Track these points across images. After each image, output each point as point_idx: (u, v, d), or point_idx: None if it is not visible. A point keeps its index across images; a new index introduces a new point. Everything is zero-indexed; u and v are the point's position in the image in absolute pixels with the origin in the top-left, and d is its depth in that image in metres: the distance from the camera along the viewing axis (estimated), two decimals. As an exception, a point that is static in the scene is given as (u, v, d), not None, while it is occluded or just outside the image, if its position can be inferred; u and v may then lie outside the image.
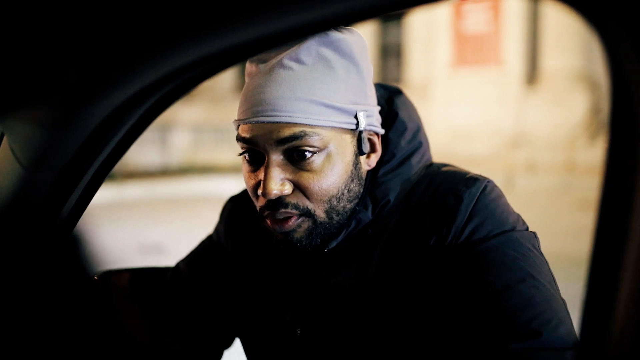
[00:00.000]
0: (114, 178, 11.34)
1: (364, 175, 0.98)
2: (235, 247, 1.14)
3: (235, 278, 1.12)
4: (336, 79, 0.91)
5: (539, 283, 0.86)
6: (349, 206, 0.96)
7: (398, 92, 1.06)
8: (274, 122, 0.89)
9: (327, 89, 0.90)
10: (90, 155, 0.71)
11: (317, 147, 0.90)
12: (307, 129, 0.89)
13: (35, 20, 0.52)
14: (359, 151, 0.96)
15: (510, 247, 0.88)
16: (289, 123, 0.89)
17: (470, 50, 16.55)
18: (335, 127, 0.91)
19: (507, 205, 0.95)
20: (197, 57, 0.56)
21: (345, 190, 0.94)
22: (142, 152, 13.60)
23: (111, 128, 0.67)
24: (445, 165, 1.03)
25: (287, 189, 0.92)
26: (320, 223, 0.94)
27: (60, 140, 0.69)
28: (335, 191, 0.93)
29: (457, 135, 15.35)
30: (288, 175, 0.92)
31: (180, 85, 0.62)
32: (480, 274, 0.87)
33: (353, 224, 0.97)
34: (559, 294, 0.88)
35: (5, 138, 0.77)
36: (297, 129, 0.89)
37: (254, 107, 0.90)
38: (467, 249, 0.89)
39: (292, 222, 0.93)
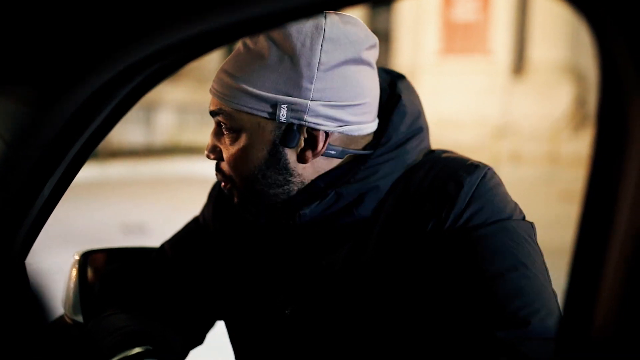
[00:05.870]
0: (97, 156, 11.26)
1: (293, 167, 0.96)
2: (223, 229, 1.13)
3: (221, 260, 1.11)
4: (265, 66, 0.92)
5: (531, 273, 0.87)
6: (272, 191, 0.97)
7: (401, 77, 1.05)
8: (211, 94, 0.98)
9: (251, 75, 0.93)
10: (74, 133, 0.71)
11: (230, 127, 0.95)
12: (224, 108, 0.95)
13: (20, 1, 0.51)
14: (284, 143, 0.94)
15: (505, 235, 0.89)
16: (216, 98, 0.96)
17: (459, 38, 16.54)
18: (248, 112, 0.93)
19: (506, 193, 0.95)
20: (183, 38, 0.55)
21: (259, 176, 0.96)
22: (127, 131, 13.49)
23: (96, 107, 0.67)
24: (445, 151, 1.02)
25: (213, 154, 0.99)
26: (246, 195, 0.98)
27: (44, 117, 0.68)
28: (246, 173, 0.96)
29: (443, 123, 15.36)
30: (219, 144, 0.99)
31: (166, 65, 0.61)
32: (473, 260, 0.88)
33: (332, 196, 0.95)
34: (551, 285, 0.89)
35: (-13, 114, 0.75)
36: (218, 106, 0.96)
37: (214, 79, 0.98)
38: (463, 234, 0.89)
39: (225, 188, 1.00)
